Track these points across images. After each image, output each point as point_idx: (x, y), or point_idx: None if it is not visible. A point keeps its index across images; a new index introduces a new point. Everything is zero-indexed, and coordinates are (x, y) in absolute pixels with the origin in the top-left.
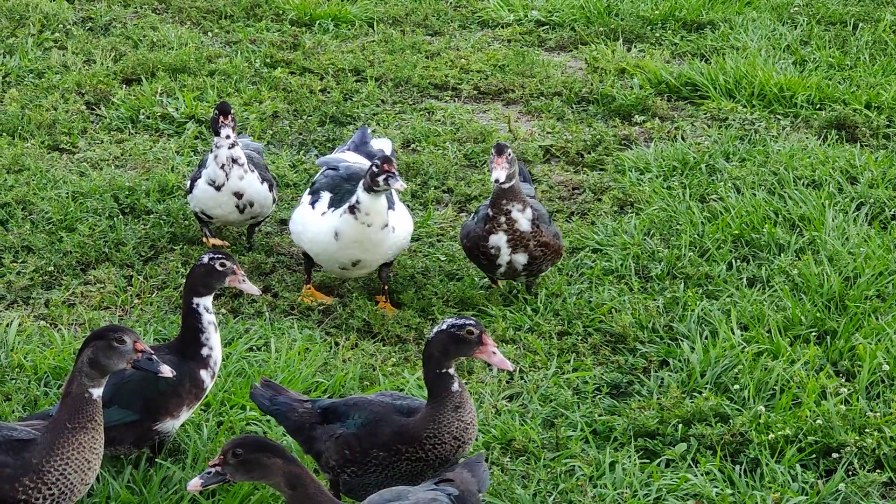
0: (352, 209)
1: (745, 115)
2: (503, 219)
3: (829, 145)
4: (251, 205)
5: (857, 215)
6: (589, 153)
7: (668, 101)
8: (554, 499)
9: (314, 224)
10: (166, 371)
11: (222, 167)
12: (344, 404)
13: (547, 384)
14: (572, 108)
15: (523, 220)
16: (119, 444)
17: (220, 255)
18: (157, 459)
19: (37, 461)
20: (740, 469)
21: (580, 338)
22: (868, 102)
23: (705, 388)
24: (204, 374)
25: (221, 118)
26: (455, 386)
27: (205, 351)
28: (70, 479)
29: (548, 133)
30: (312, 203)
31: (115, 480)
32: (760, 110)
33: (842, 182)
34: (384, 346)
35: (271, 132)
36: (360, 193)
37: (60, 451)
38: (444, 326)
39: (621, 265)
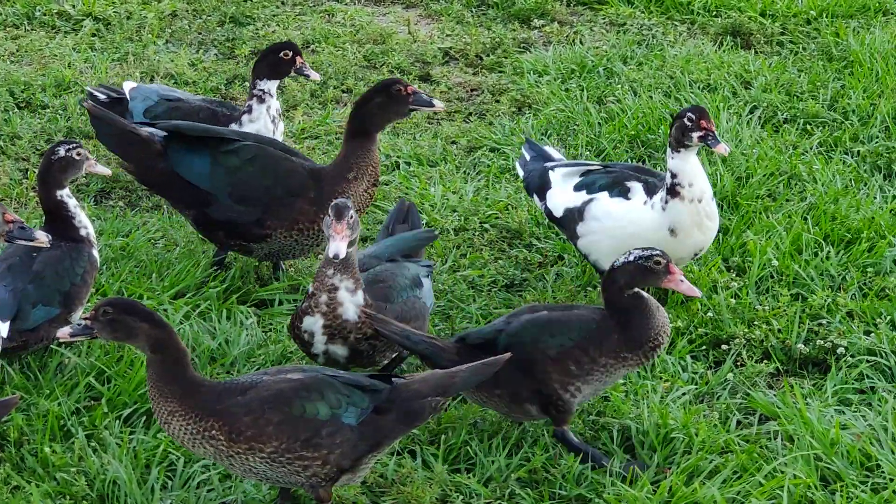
0: (672, 191)
1: (642, 20)
2: (324, 297)
3: (724, 51)
4: None
5: (751, 118)
6: (488, 56)
7: (566, 6)
8: None
9: (637, 222)
10: (42, 237)
11: (273, 121)
12: (522, 327)
13: (444, 278)
14: (472, 11)
15: (350, 305)
16: (47, 340)
17: (73, 144)
18: (51, 346)
19: None
20: None
21: (476, 233)
22: (763, 10)
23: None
24: (94, 252)
25: (299, 58)
26: (646, 295)
27: (83, 231)
28: None
29: (447, 35)
30: (623, 194)
31: (10, 367)
32: (658, 16)
33: (736, 86)
34: None
35: (170, 31)
36: (671, 161)
37: None
38: (632, 258)
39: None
